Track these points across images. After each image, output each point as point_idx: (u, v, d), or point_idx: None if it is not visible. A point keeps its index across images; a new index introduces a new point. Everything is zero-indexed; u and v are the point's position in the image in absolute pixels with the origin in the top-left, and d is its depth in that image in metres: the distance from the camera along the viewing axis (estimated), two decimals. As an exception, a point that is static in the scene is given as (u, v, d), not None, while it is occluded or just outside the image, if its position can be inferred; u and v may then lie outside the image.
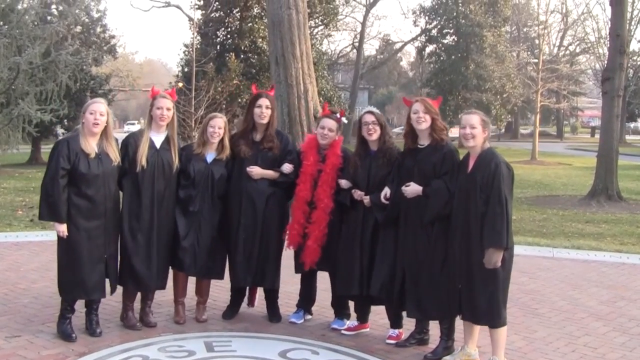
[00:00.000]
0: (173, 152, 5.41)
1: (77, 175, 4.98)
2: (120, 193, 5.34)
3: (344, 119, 5.67)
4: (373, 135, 5.24)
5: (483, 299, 4.61)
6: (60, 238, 5.05)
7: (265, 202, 5.54)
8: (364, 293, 5.27)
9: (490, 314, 4.63)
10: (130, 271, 5.32)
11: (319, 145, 5.53)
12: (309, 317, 5.83)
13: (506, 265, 4.60)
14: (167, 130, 5.44)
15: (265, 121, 5.56)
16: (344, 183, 5.37)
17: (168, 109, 5.37)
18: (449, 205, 4.81)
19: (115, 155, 5.16)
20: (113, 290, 5.35)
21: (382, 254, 5.20)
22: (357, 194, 5.26)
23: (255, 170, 5.52)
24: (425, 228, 4.94)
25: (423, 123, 4.94)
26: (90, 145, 5.06)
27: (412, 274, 5.02)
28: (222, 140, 5.57)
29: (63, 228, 4.98)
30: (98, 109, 5.05)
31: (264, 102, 5.55)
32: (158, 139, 5.40)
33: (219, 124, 5.53)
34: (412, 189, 4.95)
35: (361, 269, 5.24)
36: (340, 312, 5.67)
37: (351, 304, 5.66)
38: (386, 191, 5.12)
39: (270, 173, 5.56)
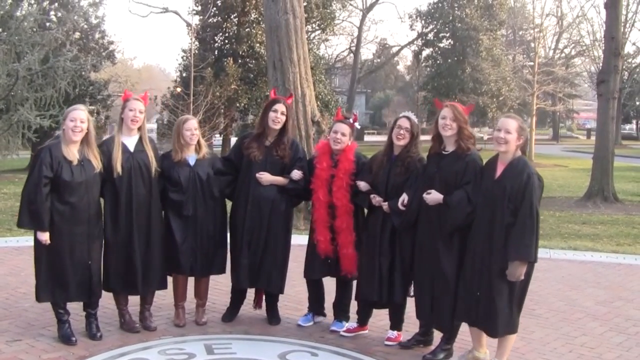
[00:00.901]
0: (148, 152, 5.36)
1: (60, 183, 4.96)
2: (102, 200, 5.33)
3: (357, 124, 5.66)
4: (401, 140, 5.18)
5: (502, 309, 4.55)
6: (39, 243, 5.02)
7: (271, 206, 5.55)
8: (383, 300, 5.27)
9: (506, 323, 4.61)
10: (116, 276, 5.34)
11: (331, 151, 5.53)
12: (320, 318, 5.82)
13: (527, 276, 4.55)
14: (139, 132, 5.39)
15: (278, 127, 5.57)
16: (362, 185, 5.34)
17: (140, 112, 5.31)
18: (471, 216, 4.72)
19: (97, 162, 5.13)
20: (99, 295, 5.32)
21: (401, 261, 5.19)
22: (376, 200, 5.23)
23: (265, 177, 5.53)
24: (444, 238, 4.87)
25: (449, 130, 4.84)
26: (72, 153, 5.03)
27: (432, 283, 4.97)
28: (197, 140, 5.57)
29: (45, 237, 4.96)
30: (78, 116, 5.01)
31: (280, 107, 5.55)
32: (130, 142, 5.35)
33: (193, 125, 5.52)
34: (433, 197, 4.86)
35: (380, 275, 5.22)
36: (341, 314, 5.71)
37: (353, 305, 5.68)
38: (404, 197, 5.09)
39: (279, 180, 5.57)
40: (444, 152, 4.96)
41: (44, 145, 5.14)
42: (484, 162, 4.84)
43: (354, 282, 5.58)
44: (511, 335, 4.71)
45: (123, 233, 5.29)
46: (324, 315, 5.84)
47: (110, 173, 5.23)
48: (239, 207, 5.63)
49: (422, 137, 5.41)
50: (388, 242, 5.22)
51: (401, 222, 5.13)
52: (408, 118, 5.25)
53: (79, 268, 5.09)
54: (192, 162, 5.54)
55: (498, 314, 4.57)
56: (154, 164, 5.37)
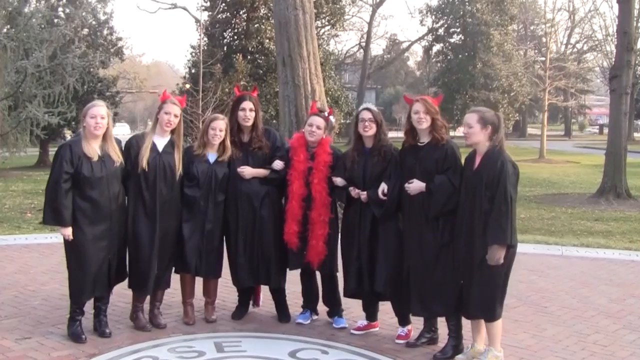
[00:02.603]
0: (176, 156, 5.39)
1: (81, 179, 5.00)
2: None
3: (331, 118, 5.69)
4: (369, 131, 5.25)
5: (480, 294, 4.66)
6: (67, 242, 5.07)
7: (261, 202, 5.54)
8: (365, 289, 5.30)
9: (484, 308, 4.70)
10: (136, 274, 5.34)
11: (307, 143, 5.53)
12: (315, 317, 5.82)
13: (507, 262, 4.65)
14: (172, 135, 5.43)
15: (249, 124, 5.57)
16: (338, 181, 5.35)
17: (175, 116, 5.36)
18: (453, 199, 4.85)
19: (117, 157, 5.17)
20: (111, 287, 5.34)
21: (384, 250, 5.21)
22: (355, 192, 5.25)
23: (247, 171, 5.52)
24: (431, 224, 4.95)
25: (424, 123, 4.98)
26: (93, 148, 5.07)
27: (417, 271, 5.03)
28: (223, 142, 5.55)
29: (68, 232, 5.00)
30: (99, 113, 5.06)
31: (247, 105, 5.55)
32: (161, 142, 5.39)
33: (220, 126, 5.51)
34: (415, 185, 4.96)
35: (360, 266, 5.26)
36: (333, 309, 5.69)
37: (358, 303, 5.64)
38: (383, 187, 5.14)
39: (261, 172, 5.56)
40: (419, 144, 5.06)
41: (64, 143, 5.20)
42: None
43: (340, 276, 5.57)
44: (496, 322, 4.76)
45: (140, 231, 5.30)
46: (317, 313, 5.84)
47: (134, 169, 5.26)
48: (229, 206, 5.59)
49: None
50: (367, 233, 5.24)
51: (382, 212, 5.17)
52: (368, 109, 5.32)
53: (100, 263, 5.12)
54: (211, 160, 5.54)
55: (472, 296, 4.69)
56: (179, 168, 5.39)
